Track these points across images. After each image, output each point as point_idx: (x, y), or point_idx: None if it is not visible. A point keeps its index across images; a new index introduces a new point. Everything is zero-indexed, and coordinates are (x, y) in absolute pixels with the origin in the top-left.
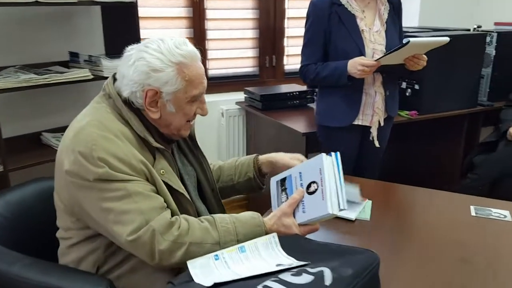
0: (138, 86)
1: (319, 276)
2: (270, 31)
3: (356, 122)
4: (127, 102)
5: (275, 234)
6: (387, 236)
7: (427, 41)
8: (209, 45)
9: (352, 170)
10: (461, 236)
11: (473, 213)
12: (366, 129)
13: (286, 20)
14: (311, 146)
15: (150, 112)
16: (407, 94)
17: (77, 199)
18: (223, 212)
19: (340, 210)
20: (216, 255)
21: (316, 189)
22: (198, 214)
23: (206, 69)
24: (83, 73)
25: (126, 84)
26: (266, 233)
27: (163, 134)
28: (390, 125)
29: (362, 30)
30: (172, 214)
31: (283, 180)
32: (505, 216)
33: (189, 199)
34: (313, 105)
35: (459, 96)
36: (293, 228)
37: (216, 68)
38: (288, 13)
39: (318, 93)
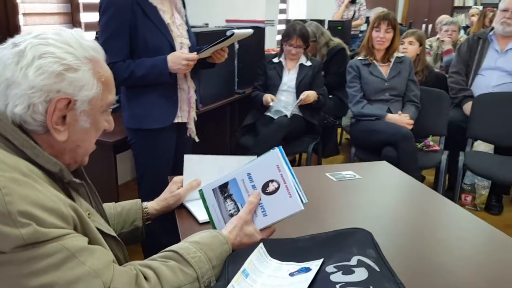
0: (42, 95)
1: (365, 265)
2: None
3: (176, 120)
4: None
5: (262, 245)
6: (301, 219)
7: (243, 33)
8: None
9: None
10: (339, 198)
11: (333, 179)
12: (181, 125)
13: None
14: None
15: (55, 133)
16: None
17: None
18: None
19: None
20: None
21: (277, 188)
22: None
23: None
24: None
25: (19, 96)
26: (232, 249)
27: None
28: None
29: (168, 23)
30: None
31: (223, 186)
32: (355, 176)
33: (122, 242)
34: None
35: (222, 86)
36: (255, 235)
37: None
38: None
39: (128, 93)
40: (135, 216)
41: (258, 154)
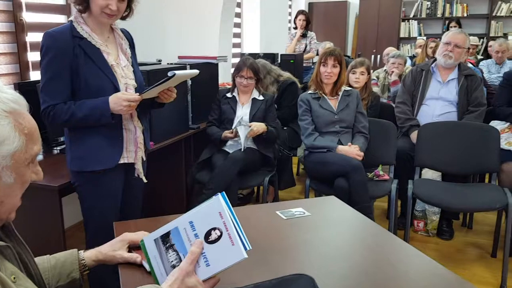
0: None
1: None
2: None
3: (121, 161)
4: None
5: None
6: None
7: (186, 74)
8: None
9: (120, 211)
10: (287, 238)
11: (283, 217)
12: (129, 166)
13: None
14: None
15: None
16: None
17: None
18: None
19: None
20: None
21: (219, 236)
22: None
23: None
24: None
25: None
26: None
27: None
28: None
29: (112, 65)
30: None
31: (165, 236)
32: (304, 213)
33: None
34: None
35: (176, 122)
36: (198, 287)
37: None
38: None
39: (70, 135)
40: (71, 268)
41: (214, 190)
